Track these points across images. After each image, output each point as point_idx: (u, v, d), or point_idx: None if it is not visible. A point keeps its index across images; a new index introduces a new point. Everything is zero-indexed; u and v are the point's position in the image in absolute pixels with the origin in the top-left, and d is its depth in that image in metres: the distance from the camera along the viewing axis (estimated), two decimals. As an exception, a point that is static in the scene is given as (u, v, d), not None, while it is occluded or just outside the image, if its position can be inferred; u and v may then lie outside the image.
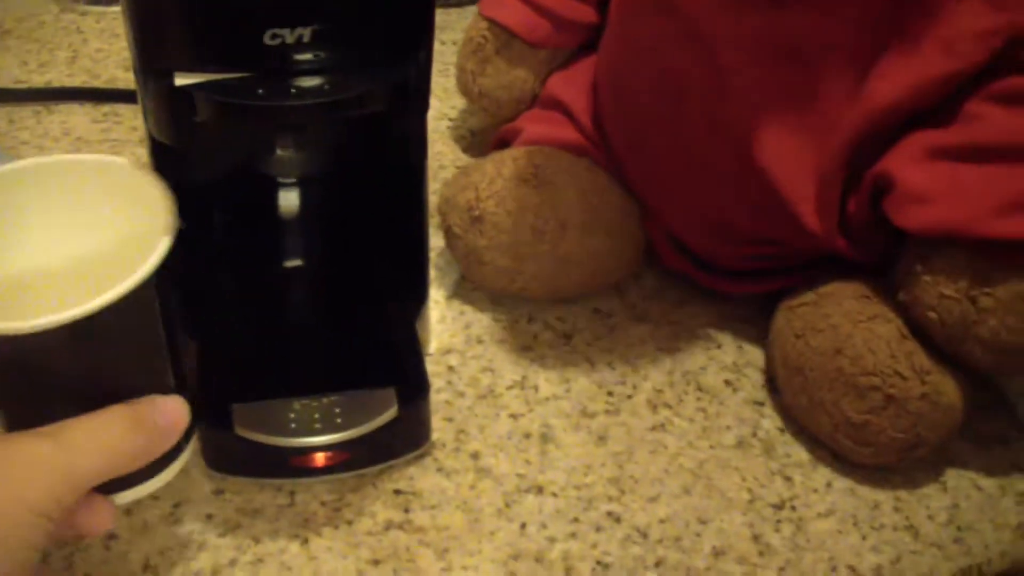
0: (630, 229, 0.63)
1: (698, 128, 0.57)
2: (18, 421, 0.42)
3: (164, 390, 0.45)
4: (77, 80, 0.80)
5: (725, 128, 0.56)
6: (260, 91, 0.40)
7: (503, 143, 0.67)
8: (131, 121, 0.76)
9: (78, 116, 0.77)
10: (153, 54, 0.41)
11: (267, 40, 0.40)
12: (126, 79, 0.81)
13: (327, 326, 0.56)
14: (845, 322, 0.55)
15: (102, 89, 0.79)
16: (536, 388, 0.59)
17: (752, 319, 0.64)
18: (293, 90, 0.41)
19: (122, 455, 0.42)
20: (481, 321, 0.63)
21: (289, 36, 0.40)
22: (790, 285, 0.61)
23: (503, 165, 0.61)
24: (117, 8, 0.88)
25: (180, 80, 0.40)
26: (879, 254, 0.57)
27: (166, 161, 0.48)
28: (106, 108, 0.78)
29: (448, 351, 0.60)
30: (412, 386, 0.53)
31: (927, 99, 0.51)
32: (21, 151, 0.73)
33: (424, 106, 0.45)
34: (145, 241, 0.42)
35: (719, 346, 0.63)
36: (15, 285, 0.45)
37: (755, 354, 0.62)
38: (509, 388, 0.59)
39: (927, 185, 0.50)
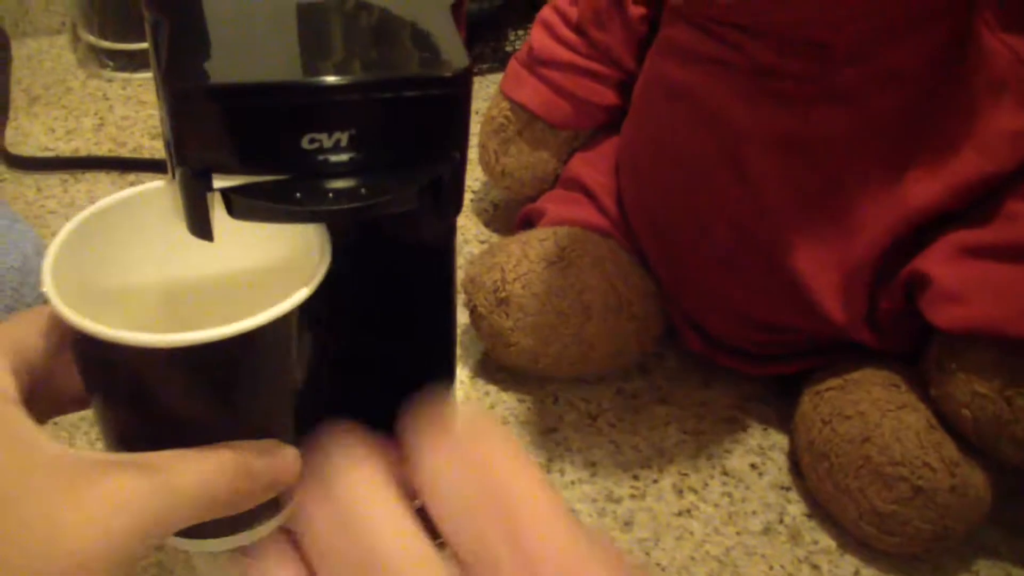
0: (652, 310, 0.63)
1: (719, 220, 0.57)
2: (120, 433, 0.42)
3: (283, 433, 0.43)
4: (104, 148, 0.81)
5: (747, 221, 0.56)
6: (298, 195, 0.41)
7: (527, 222, 0.67)
8: (157, 191, 0.77)
9: (104, 185, 0.77)
10: (191, 156, 0.41)
11: (305, 144, 0.40)
12: (151, 147, 0.81)
13: (353, 411, 0.56)
14: (873, 410, 0.55)
15: (129, 159, 0.79)
16: (562, 472, 0.59)
17: (775, 401, 0.64)
18: (331, 194, 0.41)
19: (221, 505, 0.39)
20: (506, 401, 0.63)
21: (327, 140, 0.40)
22: (812, 367, 0.61)
23: (529, 247, 0.61)
24: (142, 75, 0.89)
25: (218, 182, 0.41)
26: (906, 345, 0.57)
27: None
28: (131, 177, 0.78)
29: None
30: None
31: (962, 200, 0.52)
32: (48, 220, 0.74)
33: (459, 203, 0.45)
34: (293, 273, 0.41)
35: (744, 428, 0.62)
36: (164, 298, 0.45)
37: (779, 437, 0.62)
38: (534, 471, 0.59)
39: (962, 284, 0.51)
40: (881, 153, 0.52)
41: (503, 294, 0.60)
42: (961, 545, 0.56)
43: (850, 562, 0.56)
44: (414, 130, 0.42)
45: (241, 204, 0.41)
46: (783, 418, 0.63)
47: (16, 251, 0.66)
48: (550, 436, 0.61)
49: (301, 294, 0.40)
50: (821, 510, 0.58)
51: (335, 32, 0.43)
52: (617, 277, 0.61)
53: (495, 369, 0.64)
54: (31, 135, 0.82)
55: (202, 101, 0.40)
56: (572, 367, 0.62)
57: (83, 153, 0.80)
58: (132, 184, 0.77)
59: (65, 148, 0.81)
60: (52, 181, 0.78)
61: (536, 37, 0.68)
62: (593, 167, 0.66)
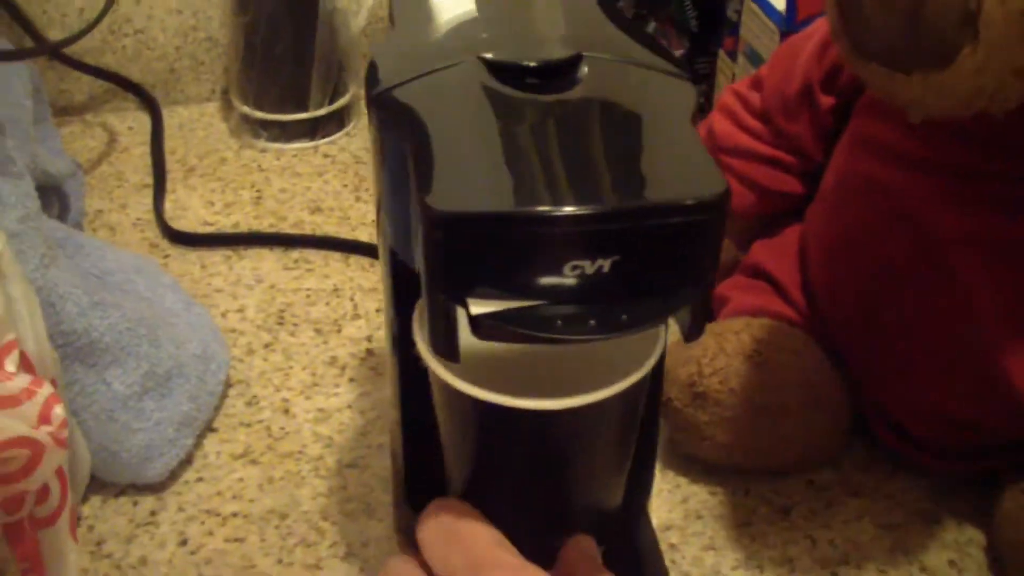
0: (844, 404, 0.62)
1: (924, 321, 0.57)
2: (469, 480, 0.49)
3: (611, 500, 0.51)
4: (264, 223, 0.82)
5: (955, 325, 0.55)
6: (559, 323, 0.40)
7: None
8: (322, 269, 0.77)
9: (269, 261, 0.78)
10: (447, 281, 0.41)
11: (566, 271, 0.40)
12: (311, 222, 0.82)
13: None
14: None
15: (292, 235, 0.80)
16: (760, 567, 0.59)
17: (967, 493, 0.62)
18: (592, 321, 0.41)
19: None
20: (697, 494, 0.62)
21: (589, 267, 0.40)
22: (1008, 463, 0.59)
23: (725, 340, 0.61)
24: (295, 146, 0.89)
25: (475, 308, 0.41)
26: None
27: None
28: (295, 254, 0.79)
29: (668, 527, 0.60)
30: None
31: None
32: (216, 299, 0.75)
33: (704, 326, 0.45)
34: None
35: (937, 522, 0.62)
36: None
37: (975, 532, 0.61)
38: (734, 569, 0.58)
39: None
40: None
41: (700, 388, 0.60)
42: None
43: (1063, 668, 0.55)
44: (674, 254, 0.41)
45: (489, 328, 0.41)
46: (975, 512, 0.62)
47: (196, 338, 0.67)
48: (745, 530, 0.60)
49: (651, 361, 0.45)
50: (1028, 611, 0.57)
51: (580, 148, 0.43)
52: (812, 371, 0.61)
53: (682, 459, 0.64)
54: (190, 208, 0.83)
55: (468, 228, 0.40)
56: (765, 461, 0.61)
57: (243, 227, 0.81)
58: (297, 261, 0.77)
59: (225, 222, 0.82)
60: (216, 257, 0.79)
61: (718, 123, 0.68)
62: (777, 255, 0.66)
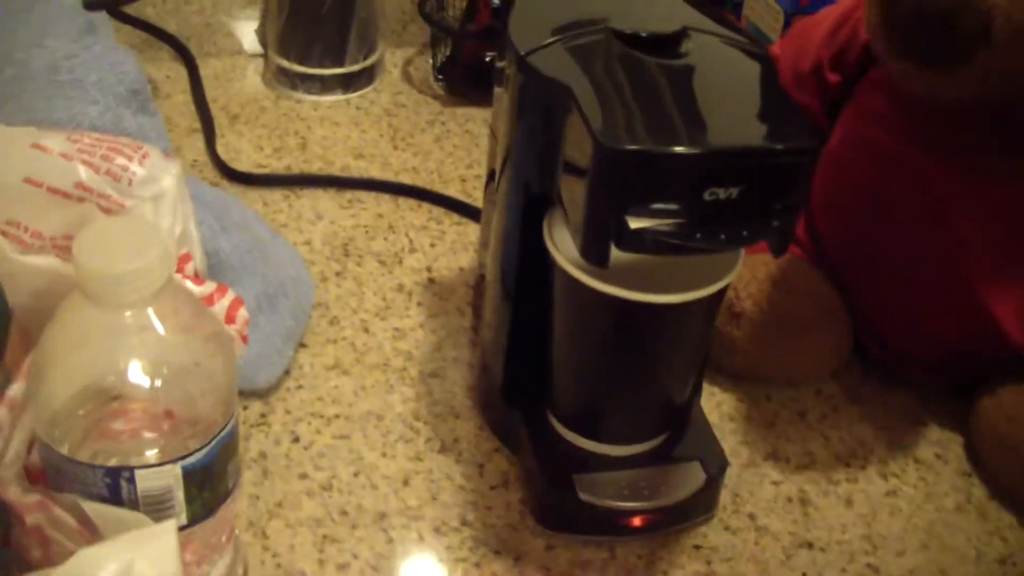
0: (848, 325, 0.74)
1: (922, 263, 0.70)
2: (579, 370, 0.62)
3: (686, 389, 0.64)
4: (314, 166, 0.90)
5: (948, 267, 0.69)
6: (697, 236, 0.51)
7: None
8: (375, 208, 0.86)
9: (325, 200, 0.87)
10: (615, 204, 0.51)
11: (706, 196, 0.51)
12: (357, 167, 0.91)
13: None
14: (1058, 411, 0.67)
15: (344, 177, 0.89)
16: (787, 459, 0.70)
17: (947, 400, 0.75)
18: (722, 235, 0.51)
19: None
20: (729, 401, 0.74)
21: (723, 193, 0.51)
22: (987, 375, 0.73)
23: (756, 269, 0.72)
24: (331, 98, 0.98)
25: (634, 224, 0.51)
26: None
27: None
28: (348, 194, 0.87)
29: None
30: (714, 460, 0.64)
31: None
32: (283, 233, 0.83)
33: (789, 241, 0.56)
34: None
35: (924, 423, 0.74)
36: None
37: (954, 432, 0.74)
38: (765, 459, 0.70)
39: None
40: None
41: (737, 308, 0.71)
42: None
43: (1031, 534, 0.68)
44: (782, 186, 0.52)
45: (639, 240, 0.52)
46: (957, 415, 0.74)
47: (288, 261, 0.75)
48: (771, 429, 0.72)
49: (734, 272, 0.57)
50: (1000, 491, 0.70)
51: (704, 101, 0.54)
52: (825, 297, 0.73)
53: (715, 372, 0.75)
54: (243, 151, 0.91)
55: (634, 161, 0.50)
56: (785, 371, 0.73)
57: (295, 170, 0.89)
58: (351, 201, 0.86)
59: (277, 165, 0.90)
60: (276, 196, 0.87)
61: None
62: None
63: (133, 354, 0.46)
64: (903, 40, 0.58)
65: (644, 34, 0.57)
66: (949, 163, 0.67)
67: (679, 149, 0.50)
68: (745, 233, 0.52)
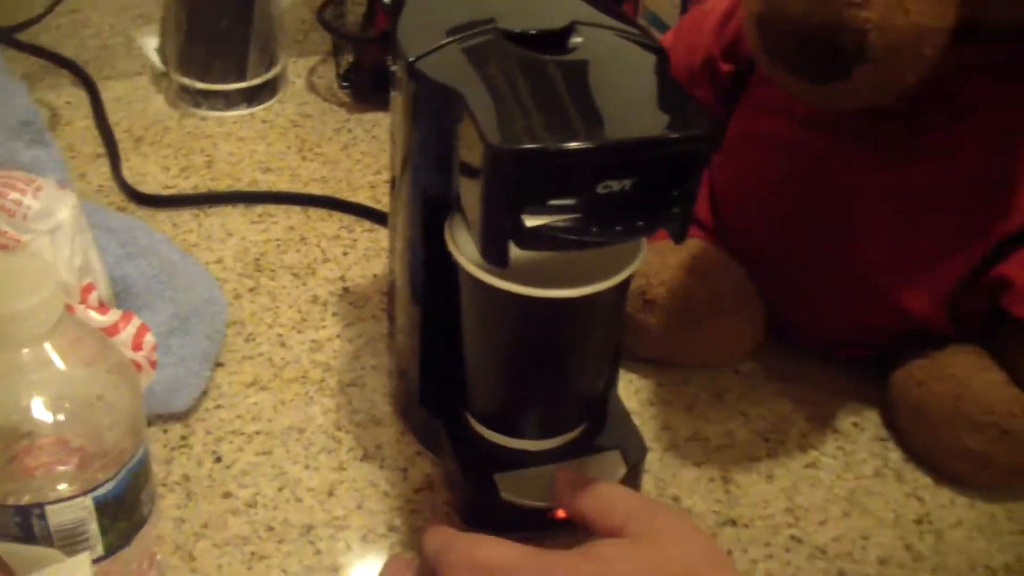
0: (761, 308, 0.75)
1: (823, 250, 0.71)
2: (489, 367, 0.62)
3: (599, 381, 0.65)
4: (222, 184, 0.89)
5: (849, 252, 0.70)
6: (593, 229, 0.52)
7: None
8: (285, 221, 0.86)
9: (235, 217, 0.86)
10: (510, 204, 0.51)
11: (600, 190, 0.51)
12: (265, 180, 0.90)
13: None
14: (963, 373, 0.69)
15: (252, 192, 0.88)
16: (707, 440, 0.71)
17: (863, 372, 0.77)
18: (618, 227, 0.52)
19: None
20: (648, 387, 0.75)
21: (616, 186, 0.52)
22: (898, 349, 0.74)
23: (667, 257, 0.73)
24: (235, 113, 0.97)
25: (529, 222, 0.51)
26: (977, 331, 0.71)
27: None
28: (259, 209, 0.87)
29: (630, 413, 0.72)
30: (634, 448, 0.65)
31: None
32: (195, 253, 0.82)
33: (688, 229, 0.57)
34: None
35: (841, 395, 0.76)
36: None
37: (871, 399, 0.75)
38: (687, 441, 0.71)
39: None
40: (966, 197, 0.67)
41: (649, 296, 0.72)
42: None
43: (946, 494, 0.70)
44: (676, 175, 0.53)
45: (537, 237, 0.52)
46: (872, 386, 0.76)
47: (199, 283, 0.75)
48: (690, 412, 0.73)
49: (638, 261, 0.58)
50: (914, 455, 0.72)
51: (594, 96, 0.55)
52: (738, 281, 0.74)
53: (631, 359, 0.76)
54: (149, 173, 0.90)
55: (525, 160, 0.51)
56: (701, 356, 0.75)
57: (203, 189, 0.89)
58: (260, 215, 0.86)
59: (184, 185, 0.89)
60: (185, 216, 0.86)
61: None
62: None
63: (34, 391, 0.46)
64: (782, 60, 0.60)
65: (533, 31, 0.58)
66: (844, 148, 0.68)
67: (569, 145, 0.50)
68: (641, 223, 0.53)
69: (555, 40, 0.58)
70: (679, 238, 0.56)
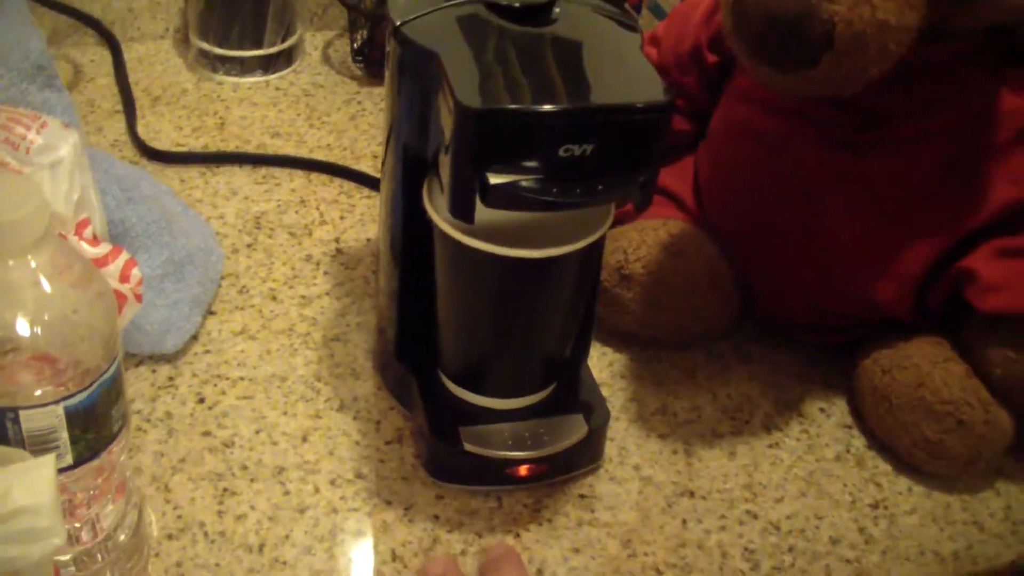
0: (735, 292, 0.77)
1: (792, 236, 0.73)
2: (462, 323, 0.65)
3: (566, 343, 0.68)
4: (231, 145, 0.92)
5: (815, 238, 0.72)
6: (554, 191, 0.54)
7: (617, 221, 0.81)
8: (288, 184, 0.89)
9: (240, 177, 0.89)
10: (476, 162, 0.54)
11: (561, 153, 0.54)
12: (273, 144, 0.93)
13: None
14: (925, 362, 0.71)
15: (258, 154, 0.91)
16: (675, 414, 0.74)
17: (830, 359, 0.79)
18: (578, 190, 0.55)
19: None
20: (620, 360, 0.77)
21: (576, 150, 0.54)
22: (865, 337, 0.76)
23: (646, 234, 0.75)
24: (250, 79, 1.00)
25: (493, 180, 0.54)
26: (941, 322, 0.73)
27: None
28: (263, 170, 0.90)
29: (599, 384, 0.74)
30: (598, 413, 0.68)
31: (999, 220, 0.69)
32: (198, 208, 0.85)
33: (651, 197, 0.59)
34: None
35: (810, 380, 0.78)
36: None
37: (839, 387, 0.77)
38: (653, 414, 0.73)
39: (1002, 277, 0.68)
40: (930, 190, 0.69)
41: (626, 271, 0.74)
42: (987, 470, 0.71)
43: (904, 482, 0.72)
44: (635, 142, 0.56)
45: (501, 195, 0.55)
46: (840, 373, 0.78)
47: (198, 233, 0.78)
48: (660, 387, 0.75)
49: (604, 226, 0.61)
50: (878, 442, 0.74)
51: (564, 65, 0.57)
52: (715, 261, 0.76)
53: (607, 334, 0.78)
54: (162, 132, 0.93)
55: (491, 119, 0.53)
56: (675, 334, 0.77)
57: (212, 149, 0.92)
58: (265, 177, 0.89)
59: (195, 144, 0.92)
60: (192, 173, 0.89)
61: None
62: (678, 178, 0.81)
63: (16, 301, 0.49)
64: (754, 47, 0.62)
65: (516, 4, 0.60)
66: (814, 138, 0.70)
67: (532, 107, 0.53)
68: (600, 187, 0.55)
69: (537, 12, 0.60)
70: (640, 207, 0.58)
